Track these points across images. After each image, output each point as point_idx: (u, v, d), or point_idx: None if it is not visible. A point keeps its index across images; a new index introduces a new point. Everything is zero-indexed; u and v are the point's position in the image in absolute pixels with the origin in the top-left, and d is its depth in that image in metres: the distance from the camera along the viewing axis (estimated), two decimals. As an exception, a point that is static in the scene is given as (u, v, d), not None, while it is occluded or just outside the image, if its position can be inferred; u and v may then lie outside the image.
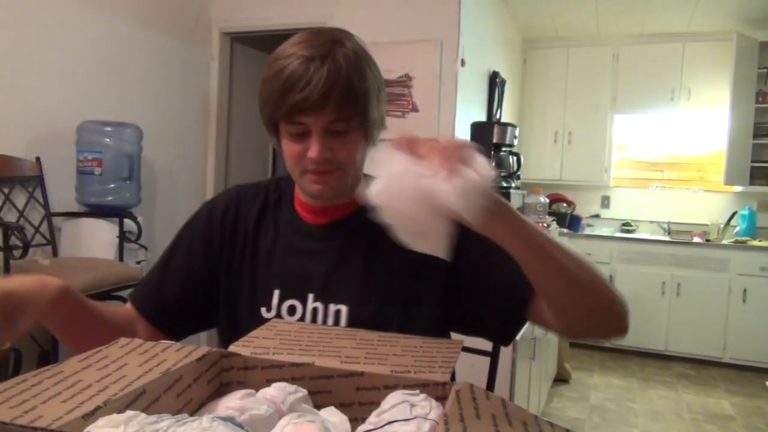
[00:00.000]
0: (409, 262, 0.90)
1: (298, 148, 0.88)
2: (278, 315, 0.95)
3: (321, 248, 0.97)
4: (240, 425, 0.51)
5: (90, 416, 0.49)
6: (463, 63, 3.29)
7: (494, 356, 1.18)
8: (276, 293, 0.95)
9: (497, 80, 4.03)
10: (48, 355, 2.38)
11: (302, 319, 0.94)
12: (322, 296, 0.94)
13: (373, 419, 0.59)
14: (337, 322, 0.93)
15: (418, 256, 0.86)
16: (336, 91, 0.82)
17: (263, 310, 0.95)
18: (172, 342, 0.69)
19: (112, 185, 2.67)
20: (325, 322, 0.93)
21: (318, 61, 0.82)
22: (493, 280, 0.91)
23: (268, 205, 1.02)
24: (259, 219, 1.01)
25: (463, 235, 0.79)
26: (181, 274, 1.01)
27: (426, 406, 0.58)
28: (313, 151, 0.85)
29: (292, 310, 0.94)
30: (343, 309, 0.93)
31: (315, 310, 0.93)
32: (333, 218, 0.98)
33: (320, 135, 0.85)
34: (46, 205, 2.60)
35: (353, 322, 0.91)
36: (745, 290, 4.31)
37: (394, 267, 0.93)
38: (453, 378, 0.64)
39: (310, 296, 0.94)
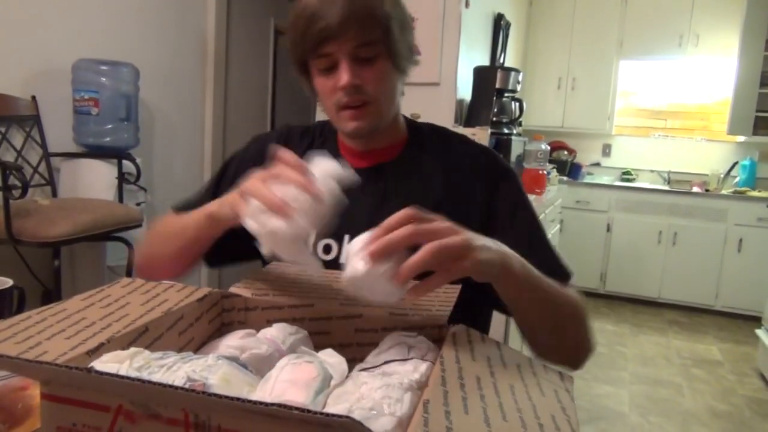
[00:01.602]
0: (449, 213, 0.91)
1: (329, 83, 0.89)
2: (313, 252, 0.95)
3: (363, 192, 0.96)
4: (243, 365, 0.53)
5: (94, 352, 0.50)
6: (467, 4, 3.20)
7: (490, 301, 1.21)
8: (312, 232, 0.96)
9: (502, 23, 3.93)
10: (51, 293, 2.42)
11: (337, 258, 0.95)
12: None
13: (371, 359, 0.60)
14: None
15: (459, 208, 0.92)
16: (357, 14, 0.83)
17: None
18: (174, 282, 0.70)
19: (110, 126, 2.63)
20: None
21: None
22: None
23: (313, 148, 1.03)
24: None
25: (501, 207, 0.94)
26: None
27: (423, 347, 0.60)
28: (343, 77, 0.86)
29: (327, 249, 0.96)
30: None
31: None
32: (375, 162, 0.99)
33: (348, 61, 0.86)
34: (43, 145, 2.58)
35: None
36: (741, 240, 4.34)
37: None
38: (450, 321, 0.66)
39: (347, 237, 0.94)
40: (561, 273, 0.94)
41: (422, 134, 1.03)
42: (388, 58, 0.89)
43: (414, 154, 1.00)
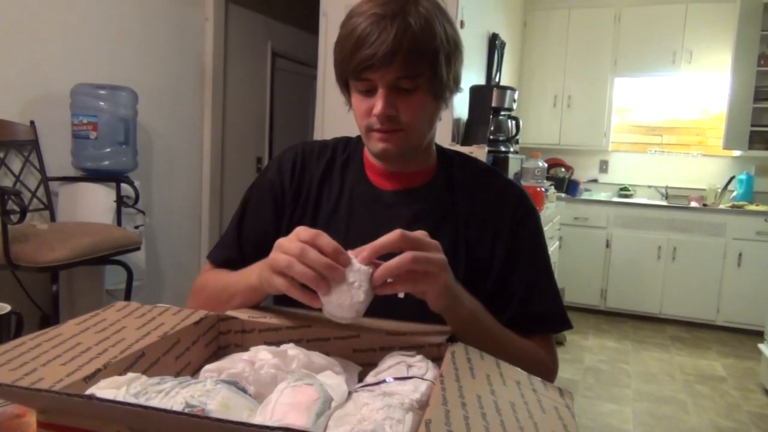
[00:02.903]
0: (472, 245, 0.94)
1: (365, 105, 0.89)
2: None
3: (387, 215, 0.95)
4: (243, 389, 0.52)
5: (90, 378, 0.49)
6: (462, 24, 3.23)
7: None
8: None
9: (497, 42, 3.97)
10: (49, 318, 2.40)
11: None
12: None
13: (370, 378, 0.60)
14: None
15: (484, 241, 0.93)
16: (403, 48, 0.82)
17: None
18: (168, 306, 0.69)
19: (108, 149, 2.64)
20: None
21: (388, 18, 0.82)
22: (531, 303, 0.93)
23: (335, 165, 1.02)
24: (323, 178, 1.01)
25: (521, 245, 0.94)
26: (257, 236, 0.99)
27: (423, 366, 0.59)
28: (378, 107, 0.86)
29: None
30: None
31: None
32: (404, 186, 0.97)
33: (386, 91, 0.86)
34: (42, 170, 2.59)
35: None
36: (740, 254, 4.34)
37: (458, 245, 0.93)
38: (449, 340, 0.65)
39: None
40: (560, 321, 0.95)
41: (452, 163, 1.01)
42: (429, 90, 0.88)
43: (443, 184, 0.98)
